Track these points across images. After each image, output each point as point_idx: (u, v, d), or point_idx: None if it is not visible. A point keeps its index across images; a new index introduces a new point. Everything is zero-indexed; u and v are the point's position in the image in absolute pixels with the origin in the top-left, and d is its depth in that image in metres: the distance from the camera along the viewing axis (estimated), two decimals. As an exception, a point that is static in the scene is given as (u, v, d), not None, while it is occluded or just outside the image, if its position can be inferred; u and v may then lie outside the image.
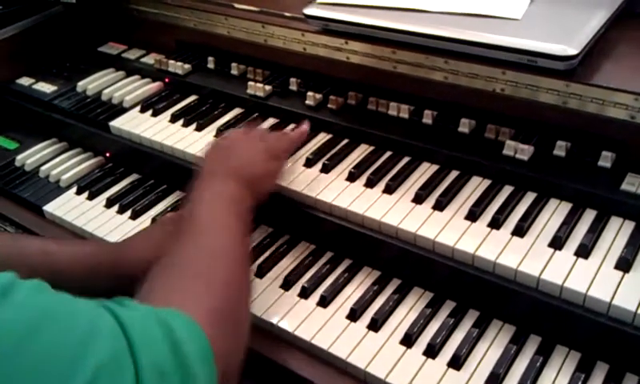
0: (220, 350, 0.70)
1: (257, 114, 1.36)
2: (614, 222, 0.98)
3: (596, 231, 0.96)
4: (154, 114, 1.41)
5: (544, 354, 0.90)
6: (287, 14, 1.40)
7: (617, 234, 0.96)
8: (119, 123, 1.40)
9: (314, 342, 0.96)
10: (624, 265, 0.90)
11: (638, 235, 0.95)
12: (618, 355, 0.87)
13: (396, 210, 1.05)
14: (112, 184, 1.37)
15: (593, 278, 0.89)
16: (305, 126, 1.20)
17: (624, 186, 1.00)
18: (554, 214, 1.01)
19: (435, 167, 1.14)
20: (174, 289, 0.77)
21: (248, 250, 0.93)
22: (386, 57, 1.24)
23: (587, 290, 0.87)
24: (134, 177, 1.39)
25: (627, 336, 0.84)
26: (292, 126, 1.28)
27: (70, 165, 1.44)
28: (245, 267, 0.90)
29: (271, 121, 1.33)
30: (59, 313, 0.58)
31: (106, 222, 1.26)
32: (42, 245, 1.06)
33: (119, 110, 1.46)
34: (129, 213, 1.28)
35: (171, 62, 1.52)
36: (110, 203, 1.31)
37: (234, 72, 1.46)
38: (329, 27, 1.30)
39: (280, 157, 1.11)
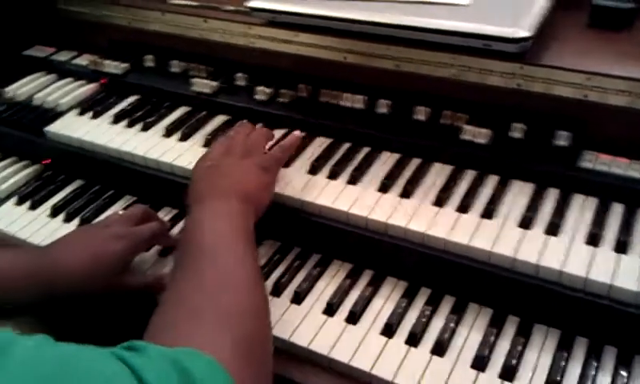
0: (248, 380, 0.69)
1: (205, 112, 1.31)
2: (577, 199, 1.01)
3: (561, 209, 0.98)
4: (95, 116, 1.34)
5: (524, 334, 0.91)
6: (229, 8, 1.37)
7: (581, 210, 0.99)
8: (56, 128, 1.33)
9: (292, 340, 0.93)
10: (594, 240, 0.92)
11: (603, 210, 0.98)
12: (596, 329, 0.89)
13: (363, 201, 1.04)
14: (55, 192, 1.29)
15: (566, 254, 0.90)
16: (297, 132, 1.17)
17: (582, 164, 1.02)
18: (518, 195, 1.03)
19: (396, 156, 1.13)
20: (192, 332, 0.72)
21: (258, 268, 0.88)
22: (336, 47, 1.23)
23: (563, 267, 0.89)
24: (77, 183, 1.31)
25: (604, 309, 0.86)
26: (281, 131, 1.21)
27: (5, 175, 1.34)
28: (258, 288, 0.84)
29: (221, 118, 1.29)
30: (75, 370, 0.55)
31: (53, 232, 1.18)
32: None
33: (54, 114, 1.38)
34: (77, 221, 1.21)
35: (107, 61, 1.45)
36: (55, 212, 1.23)
37: (176, 69, 1.41)
38: (275, 19, 1.28)
39: (271, 168, 1.05)
